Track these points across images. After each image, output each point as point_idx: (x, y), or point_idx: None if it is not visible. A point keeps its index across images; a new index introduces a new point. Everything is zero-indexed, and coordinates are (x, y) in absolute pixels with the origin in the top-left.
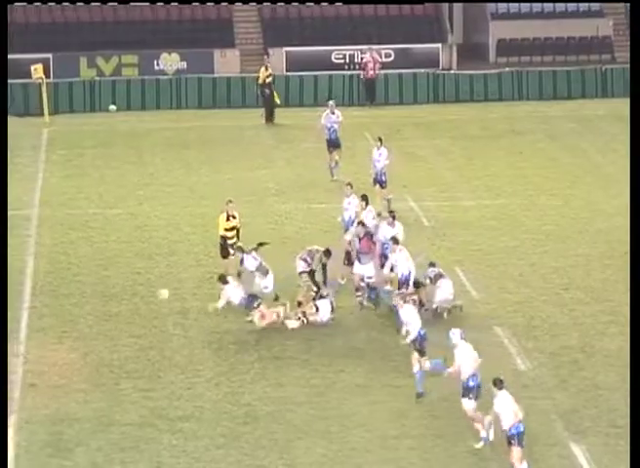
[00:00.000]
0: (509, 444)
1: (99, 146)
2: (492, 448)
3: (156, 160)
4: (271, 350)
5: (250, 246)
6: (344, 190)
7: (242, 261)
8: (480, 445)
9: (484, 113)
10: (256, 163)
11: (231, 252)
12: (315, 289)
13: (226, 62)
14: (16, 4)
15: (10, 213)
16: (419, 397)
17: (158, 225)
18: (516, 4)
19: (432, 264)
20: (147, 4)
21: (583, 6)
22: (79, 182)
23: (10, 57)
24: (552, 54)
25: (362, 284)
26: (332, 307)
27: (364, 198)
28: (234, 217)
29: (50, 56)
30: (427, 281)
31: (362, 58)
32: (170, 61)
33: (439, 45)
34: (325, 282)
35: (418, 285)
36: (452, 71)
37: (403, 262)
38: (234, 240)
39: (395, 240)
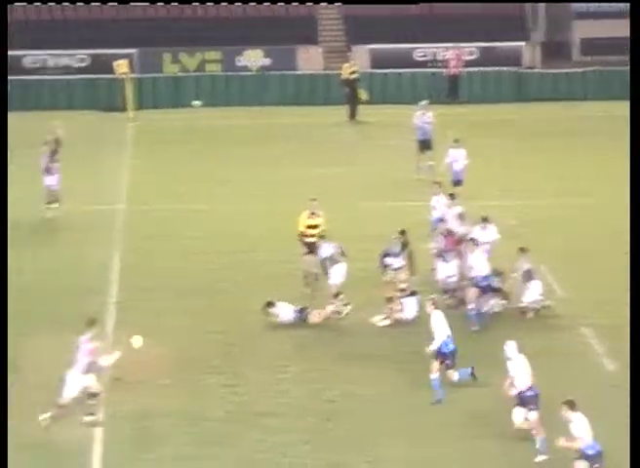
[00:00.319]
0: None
1: (182, 142)
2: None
3: (239, 156)
4: (355, 347)
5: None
6: (433, 188)
7: (319, 248)
8: (541, 459)
9: (568, 112)
10: (339, 160)
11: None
12: (403, 286)
13: (309, 59)
14: (15, 4)
15: (95, 207)
16: (436, 404)
17: (240, 221)
18: (600, 3)
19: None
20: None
21: None
22: (163, 178)
23: (94, 52)
24: None
25: (450, 281)
26: (419, 305)
27: (452, 196)
28: (317, 216)
29: (134, 51)
30: (519, 273)
31: (445, 56)
32: (253, 58)
33: (522, 43)
34: (412, 269)
35: (495, 289)
36: (535, 70)
37: (482, 264)
38: (315, 238)
39: (475, 241)
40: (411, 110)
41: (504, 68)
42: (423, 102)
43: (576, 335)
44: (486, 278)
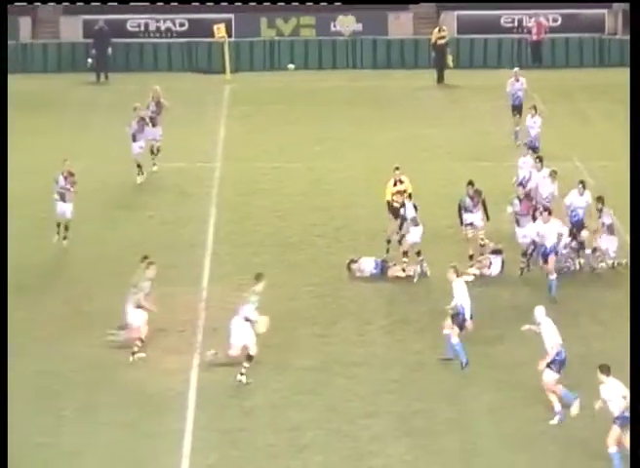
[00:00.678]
0: (621, 428)
1: (277, 103)
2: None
3: (332, 117)
4: (440, 303)
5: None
6: (521, 149)
7: (404, 208)
8: (556, 420)
9: None
10: (427, 122)
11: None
12: (487, 242)
13: (400, 25)
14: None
15: (195, 165)
16: (464, 366)
17: (334, 179)
18: None
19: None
20: None
21: None
22: (259, 137)
23: (194, 17)
24: None
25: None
26: (502, 264)
27: (540, 159)
28: (401, 182)
29: (232, 16)
30: (601, 225)
31: (529, 23)
32: (346, 23)
33: (605, 11)
34: (487, 214)
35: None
36: (617, 36)
37: (551, 234)
38: (400, 202)
39: (549, 211)
40: (497, 74)
41: (587, 35)
42: (515, 69)
43: None
44: (551, 247)
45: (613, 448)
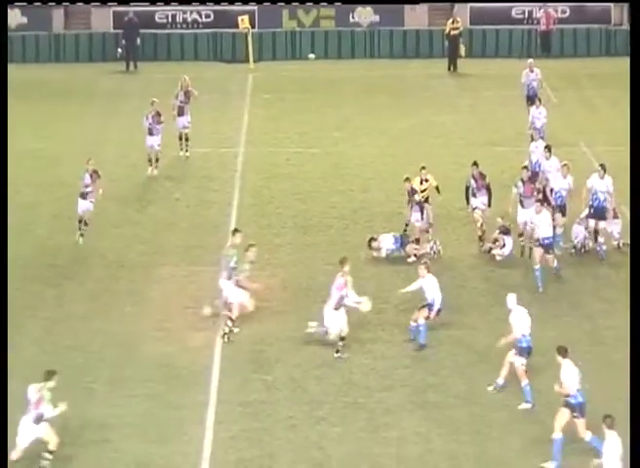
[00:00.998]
0: (571, 412)
1: (298, 91)
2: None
3: (351, 104)
4: (453, 281)
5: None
6: (533, 135)
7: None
8: (523, 406)
9: None
10: (441, 109)
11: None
12: (499, 220)
13: (416, 16)
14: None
15: (220, 150)
16: (422, 348)
17: (352, 164)
18: None
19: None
20: None
21: None
22: (281, 123)
23: (218, 8)
24: None
25: (527, 228)
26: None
27: (548, 149)
28: (427, 181)
29: (255, 8)
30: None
31: (539, 14)
32: (364, 15)
33: (611, 4)
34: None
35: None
36: (623, 27)
37: (543, 225)
38: (424, 197)
39: (541, 201)
40: (508, 64)
41: (594, 25)
42: (530, 60)
43: None
44: (548, 238)
45: (558, 434)
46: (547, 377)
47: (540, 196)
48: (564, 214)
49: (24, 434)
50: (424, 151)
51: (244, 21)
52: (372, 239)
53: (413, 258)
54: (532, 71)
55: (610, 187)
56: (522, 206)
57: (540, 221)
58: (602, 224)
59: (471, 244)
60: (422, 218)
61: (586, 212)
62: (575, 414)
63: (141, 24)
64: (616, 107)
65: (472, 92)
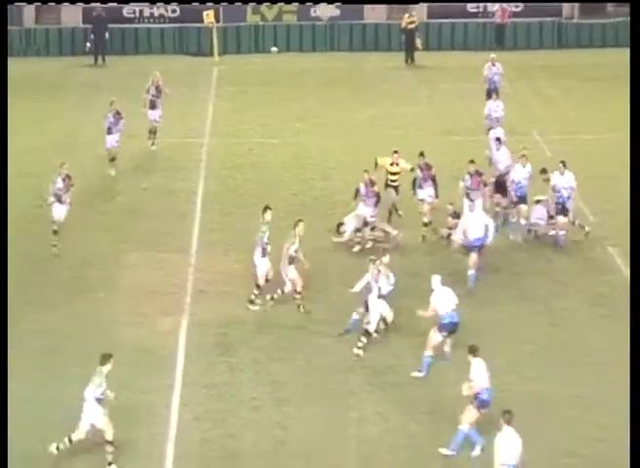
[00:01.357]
0: (477, 409)
1: (261, 84)
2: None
3: (312, 96)
4: (409, 267)
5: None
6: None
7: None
8: (416, 374)
9: (603, 57)
10: (400, 100)
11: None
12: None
13: (374, 10)
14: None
15: (186, 141)
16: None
17: (313, 154)
18: None
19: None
20: None
21: None
22: (244, 115)
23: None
24: None
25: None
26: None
27: (498, 139)
28: (398, 165)
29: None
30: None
31: (493, 8)
32: (325, 9)
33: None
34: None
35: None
36: (574, 20)
37: (477, 226)
38: (397, 183)
39: (502, 193)
40: (463, 56)
41: (547, 19)
42: (492, 55)
43: (603, 254)
44: (478, 240)
45: (465, 426)
46: (501, 360)
47: (489, 188)
48: (526, 203)
49: (86, 416)
50: (383, 141)
51: (209, 16)
52: (339, 224)
53: (358, 248)
54: (494, 65)
55: (572, 182)
56: (469, 198)
57: (472, 221)
58: (564, 219)
59: (417, 230)
60: (375, 211)
61: (548, 198)
62: (483, 411)
63: (110, 19)
64: (568, 97)
65: (430, 84)
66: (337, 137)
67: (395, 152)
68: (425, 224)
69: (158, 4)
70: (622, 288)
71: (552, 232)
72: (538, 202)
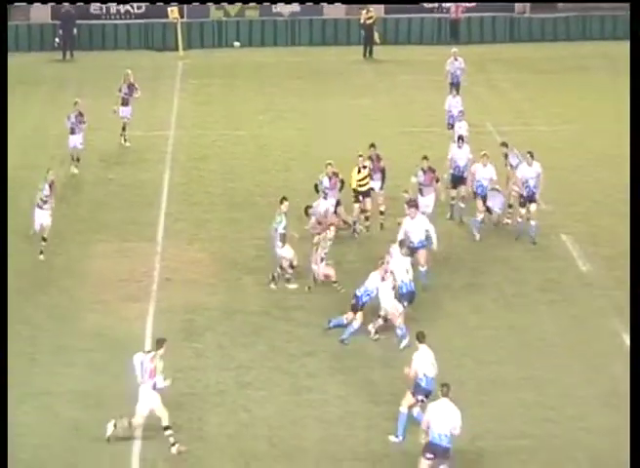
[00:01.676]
0: (411, 392)
1: (225, 77)
2: None
3: (274, 89)
4: (370, 253)
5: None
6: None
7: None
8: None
9: (554, 51)
10: (358, 92)
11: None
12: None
13: (334, 7)
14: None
15: (152, 133)
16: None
17: (276, 145)
18: None
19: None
20: None
21: None
22: (209, 107)
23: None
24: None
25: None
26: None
27: (460, 138)
28: (365, 168)
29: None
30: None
31: (448, 4)
32: (285, 7)
33: None
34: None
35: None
36: (525, 15)
37: (418, 231)
38: (367, 187)
39: (416, 205)
40: (419, 50)
41: (499, 14)
42: (454, 49)
43: (556, 241)
44: (420, 242)
45: (403, 409)
46: (457, 345)
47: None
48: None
49: (144, 401)
50: (343, 133)
51: (173, 12)
52: (308, 207)
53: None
54: (456, 60)
55: (539, 171)
56: (421, 194)
57: (413, 227)
58: (532, 207)
59: (387, 219)
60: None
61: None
62: (421, 398)
63: (78, 15)
64: (520, 90)
65: (387, 76)
66: (298, 129)
67: (360, 156)
68: (382, 213)
69: (125, 1)
70: (573, 274)
71: (507, 220)
72: (494, 190)
